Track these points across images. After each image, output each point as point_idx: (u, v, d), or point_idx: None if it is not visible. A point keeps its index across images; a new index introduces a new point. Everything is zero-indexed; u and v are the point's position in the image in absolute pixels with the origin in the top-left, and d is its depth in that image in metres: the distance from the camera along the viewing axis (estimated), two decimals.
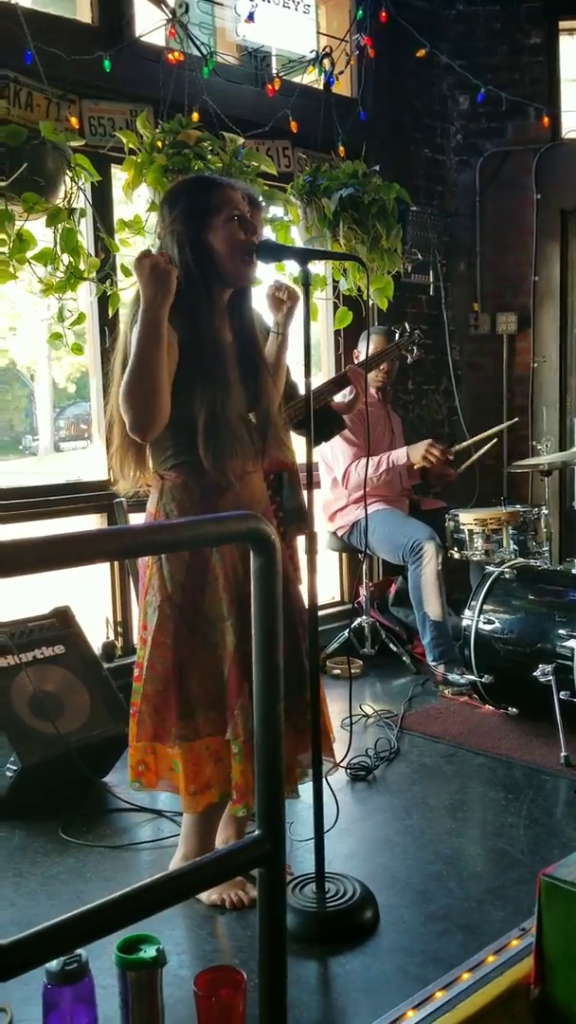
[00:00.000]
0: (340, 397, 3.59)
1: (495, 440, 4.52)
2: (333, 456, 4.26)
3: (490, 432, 4.48)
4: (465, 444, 4.55)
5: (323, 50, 4.32)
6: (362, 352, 4.19)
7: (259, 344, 2.38)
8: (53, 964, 1.62)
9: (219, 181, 2.30)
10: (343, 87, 4.64)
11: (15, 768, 2.75)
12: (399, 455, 4.19)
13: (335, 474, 4.26)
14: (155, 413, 2.12)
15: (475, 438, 4.53)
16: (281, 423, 2.43)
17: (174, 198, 2.28)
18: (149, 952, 1.74)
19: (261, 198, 3.52)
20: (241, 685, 2.17)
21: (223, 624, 2.20)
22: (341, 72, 4.42)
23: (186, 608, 2.22)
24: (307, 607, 2.26)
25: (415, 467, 4.20)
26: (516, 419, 4.97)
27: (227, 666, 2.20)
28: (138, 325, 2.08)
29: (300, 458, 3.13)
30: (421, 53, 4.58)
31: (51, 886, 2.42)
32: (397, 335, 4.17)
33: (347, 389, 3.55)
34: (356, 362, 4.32)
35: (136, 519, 2.56)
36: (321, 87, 4.34)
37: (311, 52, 4.30)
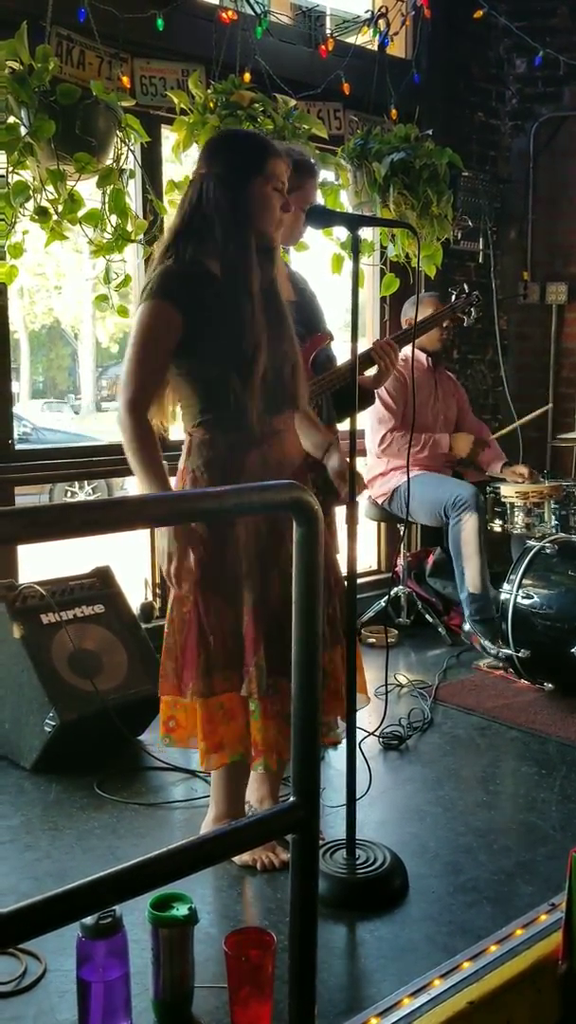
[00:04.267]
0: (373, 371, 3.53)
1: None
2: (371, 422, 4.23)
3: (527, 419, 4.54)
4: (507, 430, 4.59)
5: (378, 10, 4.24)
6: (413, 319, 4.13)
7: (283, 300, 2.33)
8: (88, 918, 1.65)
9: (273, 149, 2.27)
10: (397, 48, 4.55)
11: (53, 724, 2.79)
12: (443, 441, 4.23)
13: (370, 439, 4.24)
14: None
15: (515, 425, 4.58)
16: (305, 380, 2.40)
17: (225, 143, 2.27)
18: (181, 910, 1.77)
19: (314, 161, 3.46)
20: (258, 643, 2.19)
21: (242, 582, 2.22)
22: (396, 33, 4.33)
23: (206, 563, 2.23)
24: (345, 576, 2.26)
25: (455, 455, 4.23)
26: (550, 405, 4.95)
27: (245, 623, 2.22)
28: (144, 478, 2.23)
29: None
30: (479, 14, 4.47)
31: (86, 840, 2.46)
32: (453, 296, 4.10)
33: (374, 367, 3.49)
34: (401, 330, 4.26)
35: (173, 481, 2.58)
36: (375, 48, 4.26)
37: (366, 12, 4.22)
